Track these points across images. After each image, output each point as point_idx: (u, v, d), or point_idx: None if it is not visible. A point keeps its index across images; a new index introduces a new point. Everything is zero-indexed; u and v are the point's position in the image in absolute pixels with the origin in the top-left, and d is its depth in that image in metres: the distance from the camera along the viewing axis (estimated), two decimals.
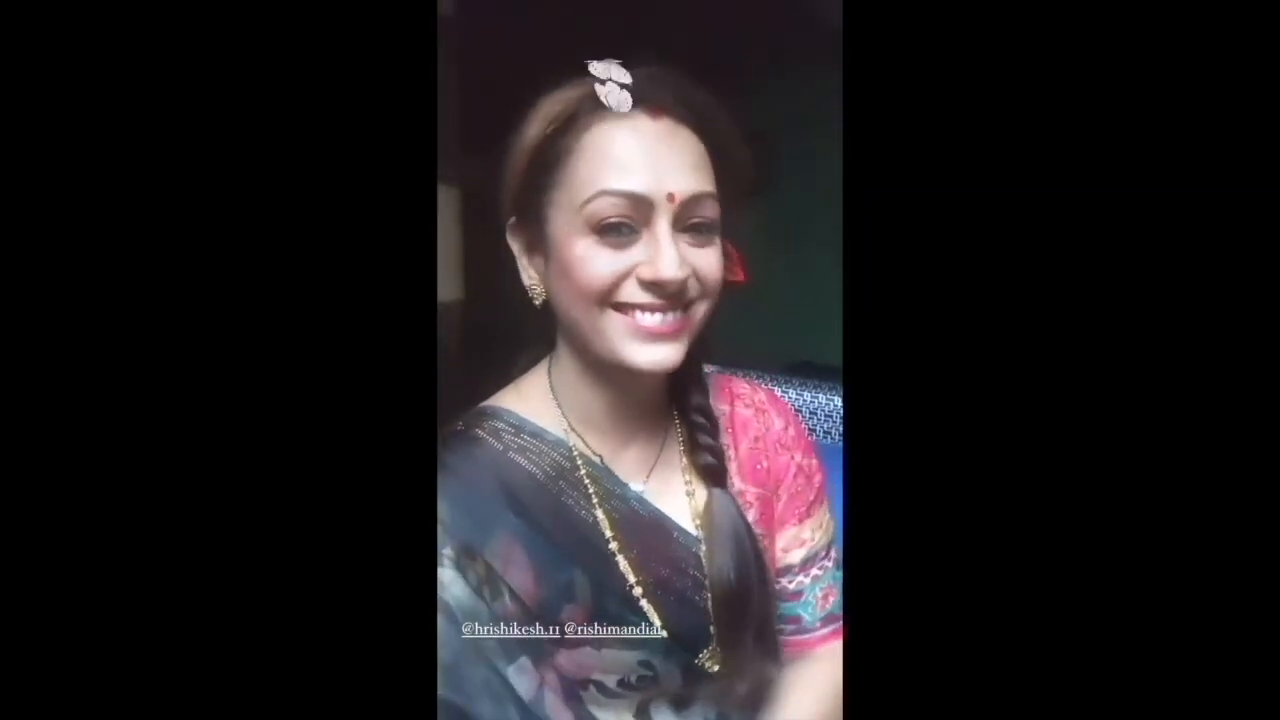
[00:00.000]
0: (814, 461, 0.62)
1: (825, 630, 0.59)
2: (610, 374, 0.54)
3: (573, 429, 0.57)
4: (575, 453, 0.56)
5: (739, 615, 0.54)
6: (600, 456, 0.56)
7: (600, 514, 0.54)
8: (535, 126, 0.52)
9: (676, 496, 0.57)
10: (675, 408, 0.60)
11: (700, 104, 0.52)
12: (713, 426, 0.59)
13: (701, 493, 0.57)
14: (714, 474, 0.57)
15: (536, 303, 0.55)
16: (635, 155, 0.49)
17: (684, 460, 0.59)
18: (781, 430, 0.62)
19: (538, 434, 0.56)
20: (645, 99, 0.50)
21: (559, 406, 0.57)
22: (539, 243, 0.53)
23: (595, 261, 0.49)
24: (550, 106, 0.52)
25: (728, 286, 0.55)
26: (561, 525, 0.54)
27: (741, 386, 0.64)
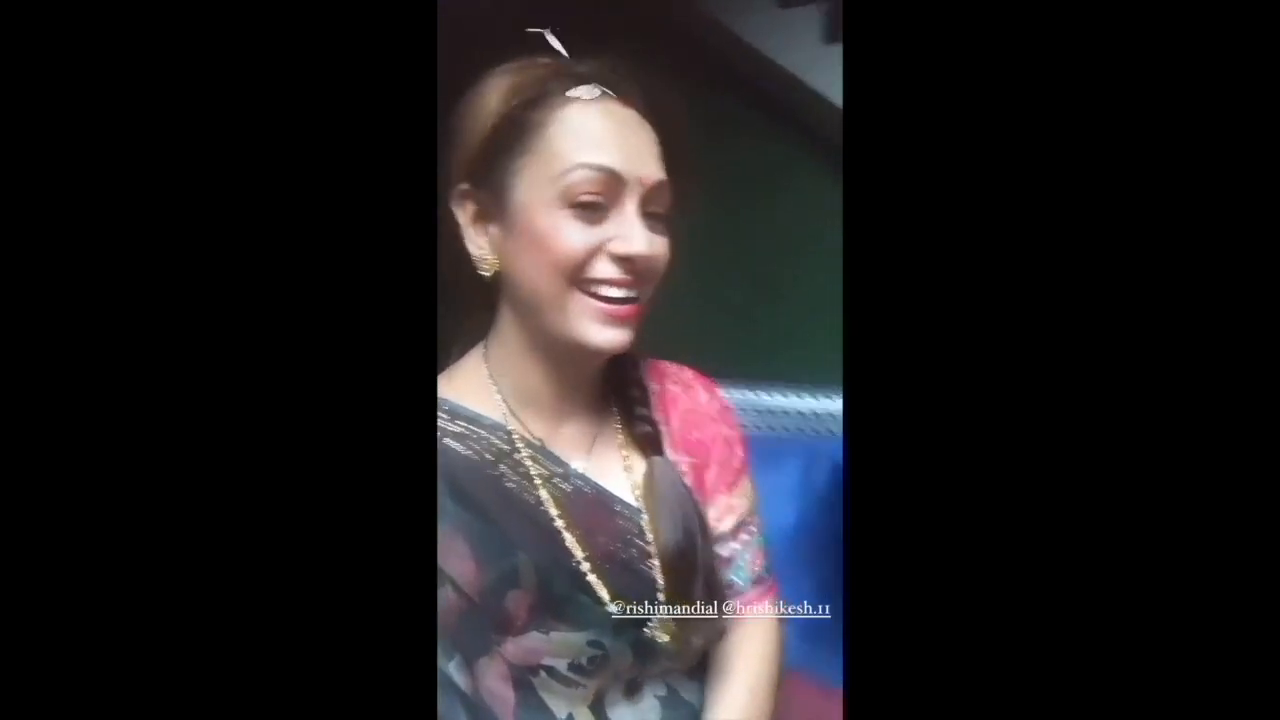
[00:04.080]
0: (736, 433, 0.65)
1: (757, 591, 0.62)
2: (555, 350, 0.55)
3: (512, 412, 0.57)
4: (515, 436, 0.56)
5: (687, 574, 0.56)
6: (540, 439, 0.57)
7: (544, 494, 0.55)
8: (498, 97, 0.54)
9: (615, 472, 0.59)
10: (611, 387, 0.62)
11: (662, 101, 0.55)
12: (646, 398, 0.61)
13: (638, 465, 0.59)
14: (651, 442, 0.59)
15: (485, 274, 0.55)
16: (611, 135, 0.52)
17: (620, 437, 0.60)
18: (707, 403, 0.65)
19: (474, 419, 0.56)
20: (616, 87, 0.53)
21: (497, 390, 0.58)
22: (496, 212, 0.54)
23: (567, 234, 0.51)
24: (513, 78, 0.54)
25: None
26: (505, 509, 0.55)
27: (669, 367, 0.66)
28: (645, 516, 0.57)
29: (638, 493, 0.58)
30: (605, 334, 0.53)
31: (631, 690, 0.56)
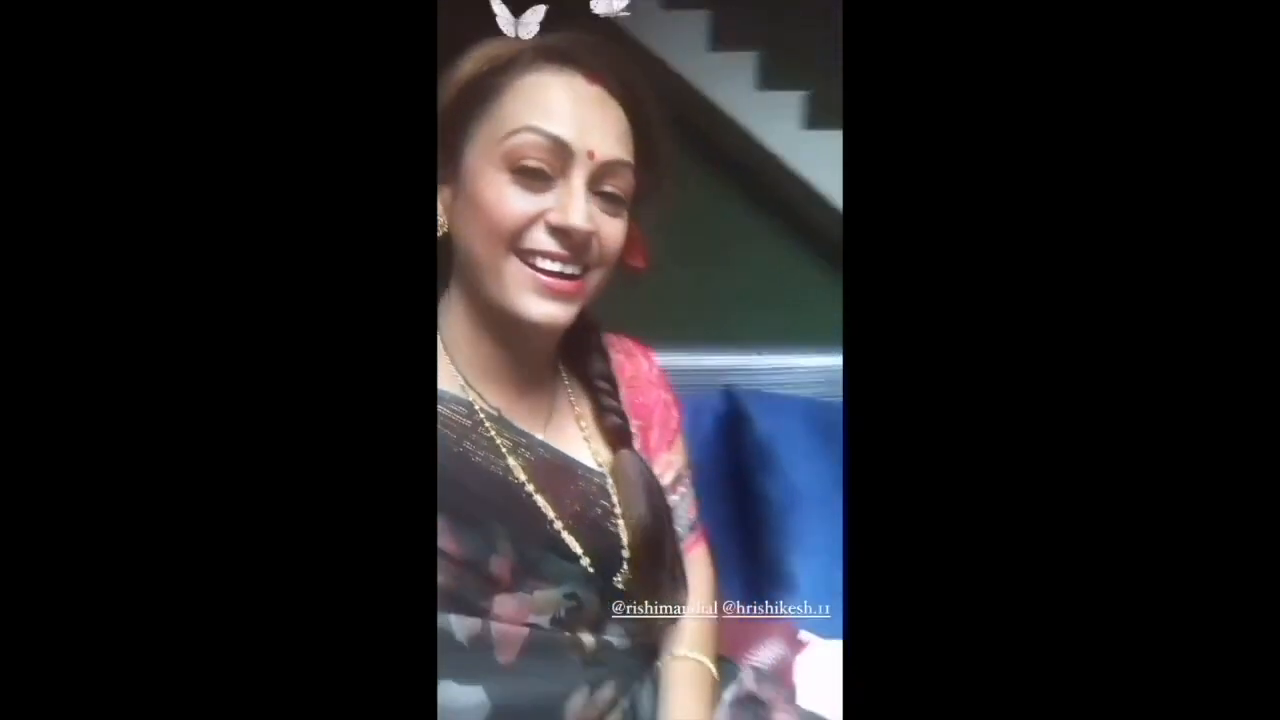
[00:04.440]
0: (671, 396, 0.71)
1: (693, 538, 0.69)
2: (502, 322, 0.56)
3: (469, 384, 0.58)
4: (476, 408, 0.58)
5: (657, 556, 0.61)
6: (498, 409, 0.59)
7: (511, 461, 0.57)
8: (472, 64, 0.54)
9: (575, 441, 0.62)
10: (563, 364, 0.64)
11: (636, 84, 0.56)
12: (615, 391, 0.64)
13: (597, 439, 0.63)
14: (621, 435, 0.63)
15: (438, 233, 0.56)
16: (565, 105, 0.52)
17: (575, 410, 0.64)
18: (647, 370, 0.70)
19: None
20: (584, 63, 0.54)
21: (452, 361, 0.58)
22: (451, 174, 0.55)
23: (507, 200, 0.52)
24: (492, 49, 0.54)
25: (625, 269, 0.59)
26: (475, 481, 0.56)
27: (611, 338, 0.70)
28: (609, 480, 0.61)
29: (599, 459, 0.62)
30: (542, 307, 0.53)
31: (599, 629, 0.61)
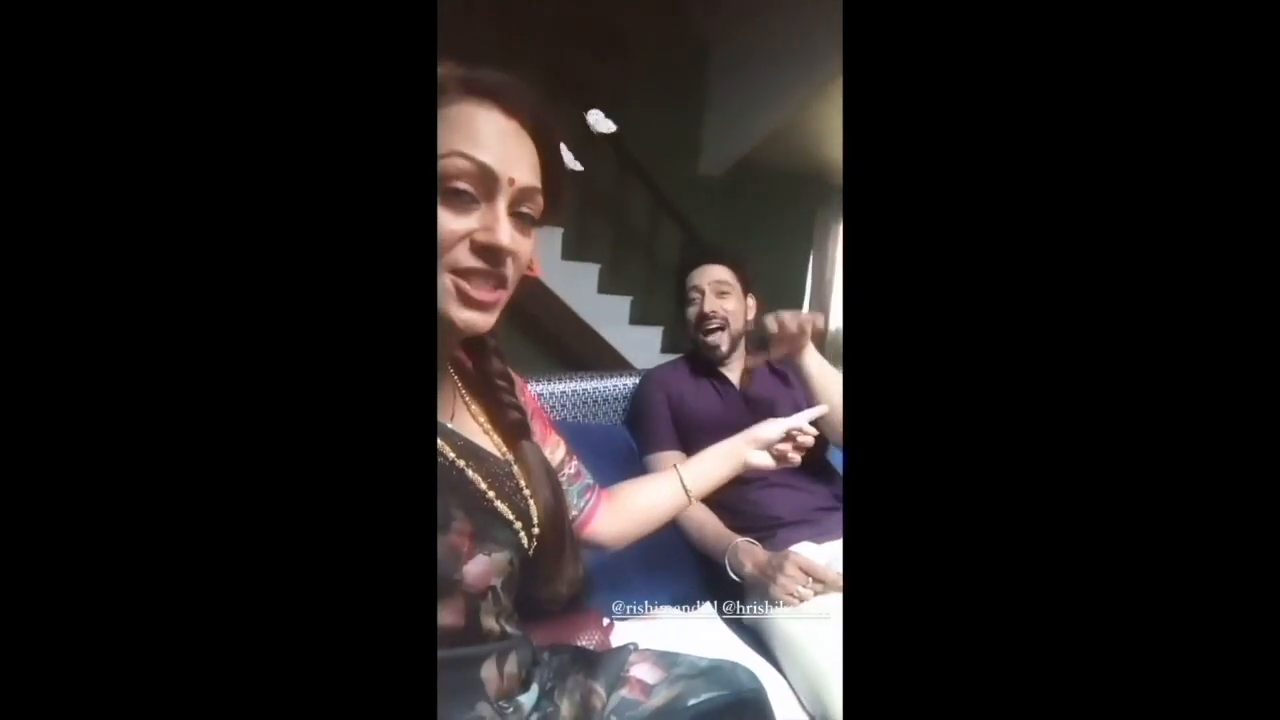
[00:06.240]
0: (535, 401, 0.81)
1: (591, 497, 0.81)
2: None
3: None
4: None
5: (561, 531, 0.69)
6: None
7: (441, 442, 0.62)
8: None
9: (478, 435, 0.68)
10: (452, 367, 0.70)
11: (546, 124, 0.63)
12: (513, 389, 0.72)
13: (496, 434, 0.69)
14: (520, 428, 0.70)
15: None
16: (490, 136, 0.56)
17: (470, 408, 0.70)
18: (518, 376, 0.78)
19: None
20: (502, 99, 0.59)
21: None
22: None
23: (438, 219, 0.54)
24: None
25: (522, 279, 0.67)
26: None
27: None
28: (515, 467, 0.68)
29: (502, 450, 0.68)
30: (464, 315, 0.57)
31: (510, 616, 0.66)
